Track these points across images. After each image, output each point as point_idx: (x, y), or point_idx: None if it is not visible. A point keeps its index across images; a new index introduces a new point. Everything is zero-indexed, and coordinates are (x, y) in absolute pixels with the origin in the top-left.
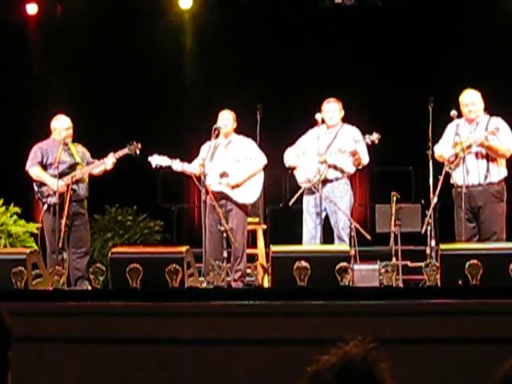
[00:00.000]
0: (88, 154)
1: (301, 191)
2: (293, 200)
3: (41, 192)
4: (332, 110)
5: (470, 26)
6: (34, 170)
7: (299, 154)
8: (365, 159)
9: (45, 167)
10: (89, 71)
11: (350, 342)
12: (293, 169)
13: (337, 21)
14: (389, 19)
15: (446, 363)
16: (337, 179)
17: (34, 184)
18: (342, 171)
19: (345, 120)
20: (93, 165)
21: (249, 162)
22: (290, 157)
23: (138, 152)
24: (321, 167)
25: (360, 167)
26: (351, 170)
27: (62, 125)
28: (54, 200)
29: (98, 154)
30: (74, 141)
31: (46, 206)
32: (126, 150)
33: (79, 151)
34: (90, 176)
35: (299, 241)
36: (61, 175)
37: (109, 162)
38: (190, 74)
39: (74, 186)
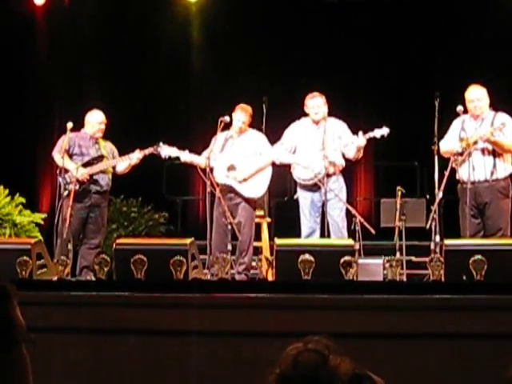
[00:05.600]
0: (116, 153)
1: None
2: (298, 193)
3: (63, 178)
4: (317, 105)
5: (475, 21)
6: (58, 156)
7: (290, 150)
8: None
9: (70, 156)
10: (96, 62)
11: (295, 343)
12: (288, 165)
13: (343, 15)
14: (395, 14)
15: (449, 358)
16: (334, 174)
17: (58, 170)
18: (339, 166)
19: (351, 115)
20: (117, 158)
21: (258, 156)
22: (282, 154)
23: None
24: (323, 163)
25: (356, 160)
26: (344, 163)
27: (94, 119)
28: (76, 188)
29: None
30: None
31: (66, 193)
32: (151, 150)
33: (107, 147)
34: (115, 174)
35: None
36: (85, 165)
37: (134, 157)
38: (197, 66)
39: (96, 177)
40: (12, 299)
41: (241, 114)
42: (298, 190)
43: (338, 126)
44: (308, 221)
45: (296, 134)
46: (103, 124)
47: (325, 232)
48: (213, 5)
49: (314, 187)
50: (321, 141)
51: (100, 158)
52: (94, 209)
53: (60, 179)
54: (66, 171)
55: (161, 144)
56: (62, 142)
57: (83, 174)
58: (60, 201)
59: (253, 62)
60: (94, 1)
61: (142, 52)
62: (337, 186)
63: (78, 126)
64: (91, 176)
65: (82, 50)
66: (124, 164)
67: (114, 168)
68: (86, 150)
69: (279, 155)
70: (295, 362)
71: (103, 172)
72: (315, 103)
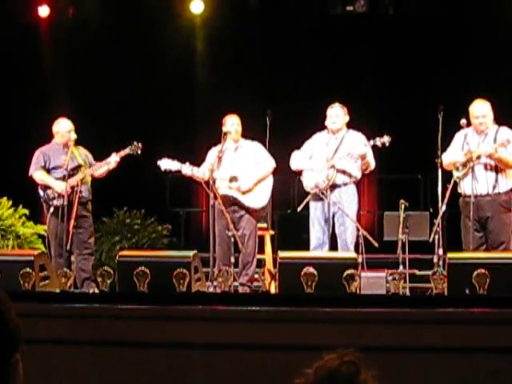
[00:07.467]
0: (90, 156)
1: (309, 197)
2: (301, 206)
3: (46, 195)
4: (336, 114)
5: (479, 36)
6: (37, 174)
7: (307, 157)
8: (372, 164)
9: (48, 171)
10: (100, 74)
11: (327, 355)
12: (300, 172)
13: (348, 28)
14: (399, 27)
15: (451, 372)
16: (345, 184)
17: (39, 188)
18: (350, 176)
19: (354, 127)
20: (96, 166)
21: (258, 165)
22: (298, 160)
23: (139, 152)
24: (329, 172)
25: (367, 172)
26: (358, 174)
27: (63, 128)
28: (60, 202)
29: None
30: (79, 144)
31: (52, 209)
32: (127, 150)
33: (81, 154)
34: (93, 178)
35: (307, 247)
36: (64, 178)
37: (112, 160)
38: (200, 78)
39: (77, 188)
40: (10, 306)
41: (231, 119)
42: (310, 200)
43: (355, 137)
44: (317, 232)
45: (314, 143)
46: (72, 131)
47: (335, 244)
48: (217, 17)
49: (318, 198)
50: (333, 151)
51: (78, 168)
52: (79, 220)
53: (42, 195)
54: (48, 188)
55: (139, 143)
56: (37, 159)
57: (64, 188)
58: (48, 218)
59: (257, 74)
60: (97, 13)
61: (146, 64)
62: (345, 198)
63: (48, 138)
64: (72, 188)
65: (85, 62)
66: (103, 169)
67: (92, 175)
68: (61, 162)
69: (294, 160)
70: (333, 374)
71: (82, 183)
72: (333, 113)
